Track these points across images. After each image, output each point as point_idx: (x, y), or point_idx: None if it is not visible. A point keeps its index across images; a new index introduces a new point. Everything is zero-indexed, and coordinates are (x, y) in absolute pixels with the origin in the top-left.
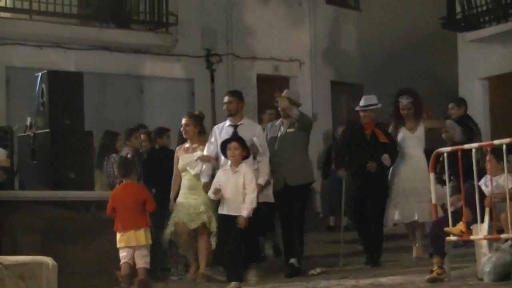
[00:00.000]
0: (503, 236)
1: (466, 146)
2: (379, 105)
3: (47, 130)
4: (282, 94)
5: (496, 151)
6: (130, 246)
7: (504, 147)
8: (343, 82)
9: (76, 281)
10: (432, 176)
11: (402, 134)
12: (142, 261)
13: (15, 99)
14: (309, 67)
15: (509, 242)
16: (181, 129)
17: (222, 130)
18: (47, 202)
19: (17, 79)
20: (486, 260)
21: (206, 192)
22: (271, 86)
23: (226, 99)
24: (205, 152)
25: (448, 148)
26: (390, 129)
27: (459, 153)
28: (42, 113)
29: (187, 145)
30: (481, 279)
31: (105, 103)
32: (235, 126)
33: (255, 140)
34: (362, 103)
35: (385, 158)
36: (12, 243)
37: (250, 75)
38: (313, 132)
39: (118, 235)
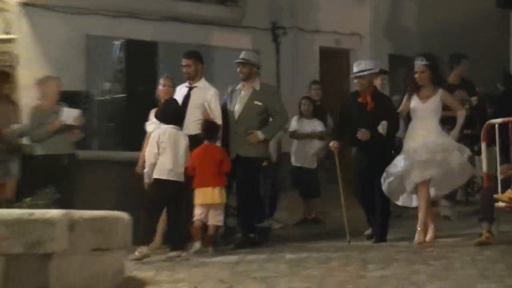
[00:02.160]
0: None
1: None
2: (371, 71)
3: (123, 95)
4: (242, 56)
5: None
6: (206, 203)
7: None
8: (401, 56)
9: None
10: (483, 146)
11: (414, 103)
12: (215, 219)
13: (93, 65)
14: (369, 41)
15: None
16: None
17: (180, 91)
18: (122, 162)
19: (95, 47)
20: None
21: None
22: (332, 58)
23: (184, 61)
24: None
25: (499, 120)
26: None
27: (510, 125)
28: (119, 80)
29: None
30: None
31: (177, 71)
32: (190, 88)
33: (205, 105)
34: (354, 69)
35: (382, 126)
36: (90, 199)
37: (313, 48)
38: None
39: (196, 192)
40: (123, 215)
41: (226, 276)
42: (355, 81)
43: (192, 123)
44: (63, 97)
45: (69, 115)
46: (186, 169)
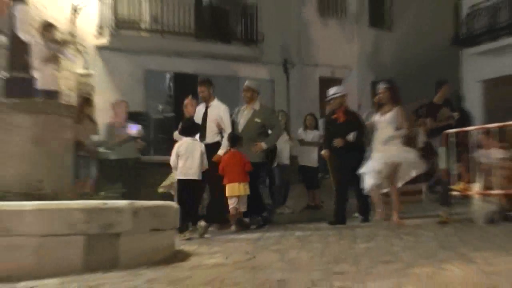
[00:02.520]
0: (491, 192)
1: (466, 128)
2: (339, 94)
3: (172, 114)
4: (246, 84)
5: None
6: (235, 195)
7: (494, 130)
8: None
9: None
10: (443, 149)
11: (376, 118)
12: (242, 207)
13: (151, 92)
14: (356, 71)
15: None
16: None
17: (200, 110)
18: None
19: (152, 78)
20: (478, 209)
21: None
22: (329, 85)
23: (199, 88)
24: None
25: (454, 130)
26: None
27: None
28: (169, 103)
29: None
30: (474, 222)
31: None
32: (206, 107)
33: (219, 119)
34: (328, 94)
35: (351, 135)
36: (150, 192)
37: (314, 77)
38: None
39: (227, 187)
40: (173, 204)
41: (250, 248)
42: (330, 102)
43: (210, 134)
44: (129, 116)
45: (134, 129)
46: (218, 169)
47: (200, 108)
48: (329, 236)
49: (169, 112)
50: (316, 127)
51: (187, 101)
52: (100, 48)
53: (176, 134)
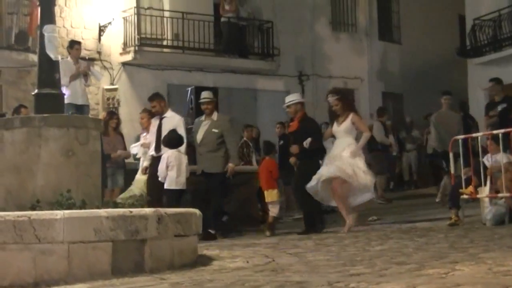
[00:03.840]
0: (499, 195)
1: (474, 134)
2: (294, 101)
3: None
4: (205, 96)
5: (495, 138)
6: (268, 201)
7: (500, 135)
8: (390, 92)
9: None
10: (451, 155)
11: (333, 128)
12: (271, 212)
13: (173, 105)
14: (367, 82)
15: (503, 199)
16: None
17: (154, 122)
18: (194, 173)
19: (174, 92)
20: (487, 211)
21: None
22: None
23: (151, 105)
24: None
25: (462, 136)
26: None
27: (469, 140)
28: (191, 115)
29: None
30: (484, 224)
31: (232, 108)
32: (161, 119)
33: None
34: (285, 102)
35: (306, 142)
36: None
37: (327, 88)
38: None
39: (265, 193)
40: (195, 211)
41: (269, 252)
42: (286, 110)
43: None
44: None
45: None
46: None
47: (155, 120)
48: (344, 239)
49: (191, 124)
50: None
51: (141, 115)
52: (125, 64)
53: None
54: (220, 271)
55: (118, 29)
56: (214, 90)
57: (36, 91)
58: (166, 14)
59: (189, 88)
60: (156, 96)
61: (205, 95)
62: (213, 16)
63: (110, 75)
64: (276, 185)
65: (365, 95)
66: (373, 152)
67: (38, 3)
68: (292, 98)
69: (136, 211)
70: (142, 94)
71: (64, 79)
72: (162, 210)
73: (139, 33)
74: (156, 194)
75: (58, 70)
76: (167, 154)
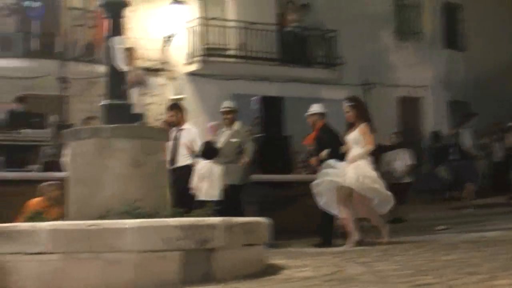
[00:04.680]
0: None
1: None
2: (313, 111)
3: (261, 135)
4: (225, 105)
5: None
6: None
7: None
8: (456, 101)
9: (287, 234)
10: None
11: (347, 137)
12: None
13: (239, 114)
14: (432, 91)
15: None
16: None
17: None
18: (262, 182)
19: (240, 102)
20: None
21: None
22: (406, 104)
23: (168, 114)
24: None
25: None
26: None
27: None
28: (257, 124)
29: None
30: None
31: (297, 117)
32: (178, 131)
33: (190, 141)
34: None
35: (323, 153)
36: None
37: (392, 97)
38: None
39: None
40: (263, 220)
41: (337, 262)
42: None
43: (181, 157)
44: None
45: None
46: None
47: (172, 132)
48: (411, 249)
49: (257, 133)
50: (400, 145)
51: (93, 122)
52: (190, 74)
53: None
54: (289, 281)
55: (183, 39)
56: (279, 100)
57: (104, 102)
58: (231, 24)
59: (254, 98)
60: (175, 106)
61: (225, 104)
62: (277, 25)
63: (176, 85)
64: None
65: (430, 104)
66: (462, 160)
67: (105, 16)
68: (312, 109)
69: (205, 220)
70: (207, 104)
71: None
72: (231, 219)
73: (204, 43)
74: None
75: (125, 81)
76: (200, 165)
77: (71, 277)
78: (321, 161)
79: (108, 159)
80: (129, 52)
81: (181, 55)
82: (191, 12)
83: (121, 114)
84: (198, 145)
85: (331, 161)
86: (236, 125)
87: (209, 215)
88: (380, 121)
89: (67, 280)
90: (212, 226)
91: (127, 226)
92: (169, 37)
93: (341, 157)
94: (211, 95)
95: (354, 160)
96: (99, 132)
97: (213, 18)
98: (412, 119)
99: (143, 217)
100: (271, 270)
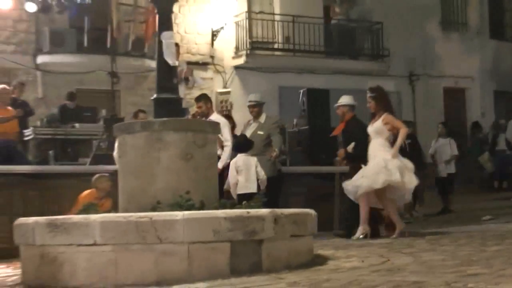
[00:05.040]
0: None
1: None
2: (342, 103)
3: (306, 127)
4: (251, 99)
5: None
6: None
7: None
8: (503, 91)
9: (329, 226)
10: None
11: (369, 127)
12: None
13: (285, 107)
14: (478, 81)
15: None
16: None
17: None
18: (307, 174)
19: (286, 94)
20: None
21: None
22: (453, 94)
23: (196, 105)
24: None
25: None
26: None
27: None
28: (303, 116)
29: None
30: None
31: None
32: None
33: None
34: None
35: (350, 146)
36: (287, 201)
37: (438, 88)
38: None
39: None
40: (311, 211)
41: (384, 252)
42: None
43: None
44: None
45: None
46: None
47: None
48: (460, 239)
49: (303, 125)
50: (448, 134)
51: (142, 116)
52: (237, 68)
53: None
54: (336, 271)
55: (230, 33)
56: (325, 92)
57: (155, 95)
58: (277, 18)
59: (301, 90)
60: (202, 97)
61: (250, 97)
62: (323, 18)
63: (223, 78)
64: None
65: (477, 94)
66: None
67: (156, 11)
68: (341, 100)
69: (253, 212)
70: None
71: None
72: (279, 211)
73: (250, 37)
74: None
75: (176, 75)
76: (236, 158)
77: (123, 268)
78: (348, 154)
79: (159, 152)
80: (176, 47)
81: (228, 49)
82: (238, 6)
83: (172, 107)
84: (227, 135)
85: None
86: (262, 118)
87: (258, 207)
88: (426, 112)
89: (119, 271)
90: (260, 218)
91: (178, 218)
92: (217, 31)
93: (364, 150)
94: (258, 88)
95: (395, 155)
96: (150, 126)
97: (260, 12)
98: (458, 110)
99: (193, 209)
100: (319, 260)
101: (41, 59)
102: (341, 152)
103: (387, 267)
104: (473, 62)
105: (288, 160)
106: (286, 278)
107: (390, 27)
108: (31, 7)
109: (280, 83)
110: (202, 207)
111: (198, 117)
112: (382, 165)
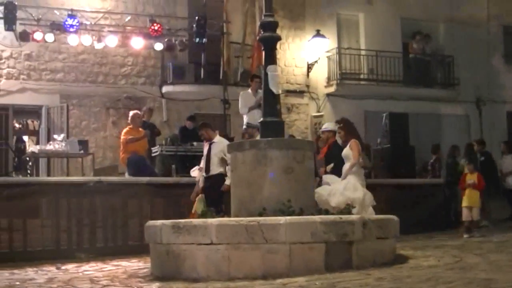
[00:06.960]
0: None
1: None
2: (326, 129)
3: (388, 146)
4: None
5: None
6: (467, 206)
7: None
8: None
9: (414, 229)
10: None
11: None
12: (474, 215)
13: (369, 128)
14: None
15: None
16: None
17: (205, 147)
18: (388, 185)
19: (371, 118)
20: None
21: None
22: None
23: (199, 133)
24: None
25: None
26: None
27: None
28: (386, 136)
29: None
30: None
31: (420, 131)
32: (210, 144)
33: (221, 152)
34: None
35: (329, 167)
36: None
37: (502, 112)
38: None
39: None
40: (393, 217)
41: (457, 253)
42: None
43: (213, 166)
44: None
45: None
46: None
47: (205, 145)
48: None
49: (385, 144)
50: (510, 151)
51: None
52: (329, 95)
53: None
54: (416, 269)
55: (323, 66)
56: (405, 116)
57: (261, 119)
58: (363, 52)
59: (384, 114)
60: (203, 126)
61: (324, 126)
62: (402, 53)
63: (317, 104)
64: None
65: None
66: None
67: (262, 48)
68: (325, 126)
69: (345, 217)
70: None
71: (243, 109)
72: (366, 217)
73: (340, 68)
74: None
75: (279, 101)
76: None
77: (235, 264)
78: (327, 173)
79: (265, 166)
80: (256, 79)
81: (321, 79)
82: (330, 43)
83: (276, 129)
84: (227, 156)
85: (329, 176)
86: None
87: (348, 213)
88: (492, 133)
89: (231, 266)
90: (351, 223)
91: (281, 222)
92: (312, 64)
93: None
94: (346, 112)
95: (345, 176)
96: (257, 145)
97: (348, 48)
98: None
99: (294, 214)
100: (400, 259)
101: (165, 88)
102: (321, 171)
103: (460, 265)
104: None
105: (372, 174)
106: (373, 274)
107: (460, 59)
108: (159, 46)
109: (366, 108)
110: (301, 213)
111: (204, 140)
112: (343, 187)
